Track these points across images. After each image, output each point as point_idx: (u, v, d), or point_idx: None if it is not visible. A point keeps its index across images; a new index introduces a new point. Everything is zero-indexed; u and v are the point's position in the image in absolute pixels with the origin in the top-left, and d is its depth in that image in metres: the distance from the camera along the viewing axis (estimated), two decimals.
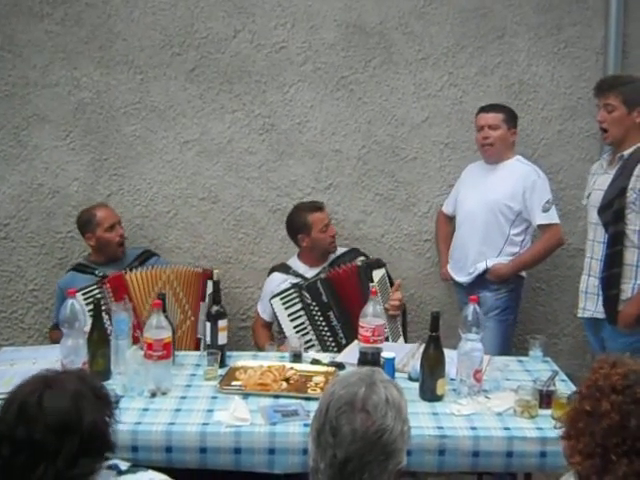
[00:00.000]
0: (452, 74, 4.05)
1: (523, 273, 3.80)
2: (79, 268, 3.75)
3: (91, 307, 2.97)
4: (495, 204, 3.64)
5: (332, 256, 3.73)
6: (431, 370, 2.63)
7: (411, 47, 4.02)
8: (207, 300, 3.62)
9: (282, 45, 4.01)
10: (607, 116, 3.18)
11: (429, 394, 2.63)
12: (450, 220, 3.97)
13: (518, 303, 3.81)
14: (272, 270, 3.81)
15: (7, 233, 4.07)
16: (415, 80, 4.05)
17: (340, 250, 3.78)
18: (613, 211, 3.12)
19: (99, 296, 3.35)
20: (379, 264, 3.62)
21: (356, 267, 3.55)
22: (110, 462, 1.68)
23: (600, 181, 3.27)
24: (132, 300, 3.41)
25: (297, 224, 3.71)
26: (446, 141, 4.08)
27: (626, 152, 3.16)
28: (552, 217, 3.65)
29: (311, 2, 3.98)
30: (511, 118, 3.73)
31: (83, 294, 3.40)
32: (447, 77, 4.05)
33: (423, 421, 2.47)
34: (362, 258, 3.71)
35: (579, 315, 3.39)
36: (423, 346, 2.73)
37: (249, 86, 4.03)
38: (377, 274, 3.52)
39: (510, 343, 3.79)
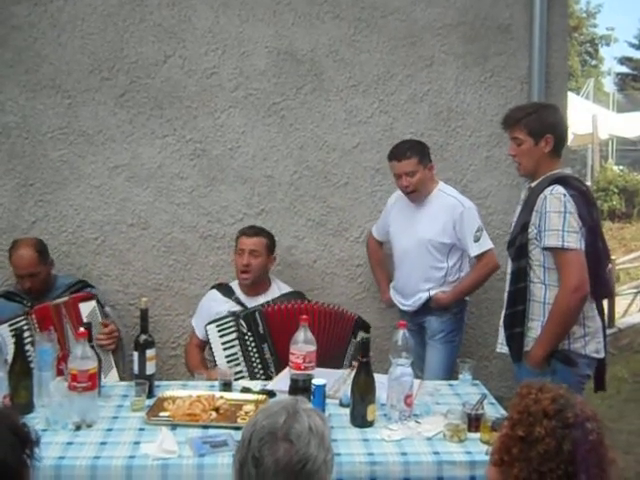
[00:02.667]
0: (382, 101, 4.11)
1: (467, 297, 3.85)
2: (8, 296, 3.64)
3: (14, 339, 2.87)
4: (429, 243, 3.68)
5: (276, 291, 3.70)
6: (362, 396, 2.63)
7: (342, 74, 4.07)
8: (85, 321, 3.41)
9: (213, 71, 4.00)
10: (517, 149, 3.11)
11: (360, 420, 2.62)
12: (381, 245, 4.00)
13: (462, 325, 3.86)
14: (213, 287, 3.76)
15: None
16: (346, 107, 4.09)
17: (285, 289, 3.74)
18: (516, 247, 3.05)
19: (25, 327, 3.27)
20: (366, 329, 3.62)
21: (353, 319, 3.58)
22: None
23: (517, 213, 3.21)
24: (57, 331, 3.31)
25: None
26: (377, 167, 4.12)
27: (533, 184, 3.09)
28: (484, 245, 3.69)
29: (242, 29, 3.99)
30: (424, 155, 3.69)
31: (10, 325, 3.31)
32: (377, 104, 4.10)
33: (354, 448, 2.46)
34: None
35: (497, 350, 3.24)
36: (354, 372, 2.73)
37: (180, 111, 4.01)
38: (360, 335, 3.53)
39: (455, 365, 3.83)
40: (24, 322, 3.37)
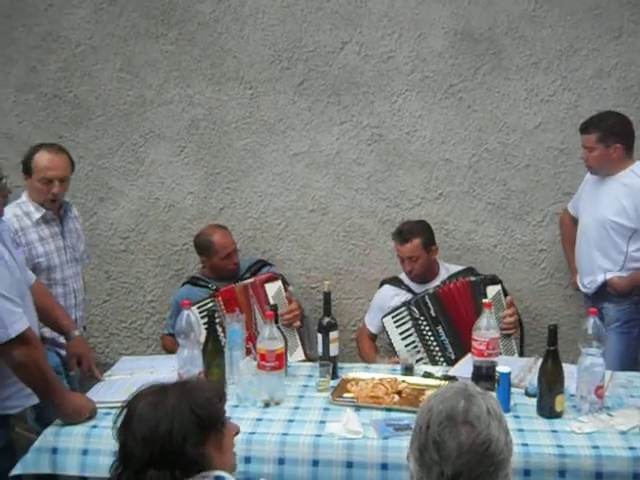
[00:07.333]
0: (565, 78, 3.92)
1: None
2: (193, 281, 3.85)
3: (206, 320, 3.03)
4: (605, 220, 3.48)
5: (444, 273, 3.67)
6: (549, 385, 2.54)
7: (522, 52, 3.92)
8: (272, 301, 3.57)
9: (390, 55, 4.00)
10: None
11: (547, 411, 2.53)
12: (575, 222, 3.80)
13: None
14: (383, 282, 3.80)
15: (127, 246, 4.24)
16: (527, 85, 3.94)
17: (455, 268, 3.71)
18: None
19: (213, 309, 3.45)
20: (494, 280, 3.52)
21: (469, 282, 3.49)
22: (217, 474, 1.67)
23: None
24: (243, 312, 3.46)
25: None
26: (561, 147, 3.94)
27: None
28: None
29: (418, 10, 3.95)
30: (609, 135, 3.44)
31: (198, 307, 3.50)
32: (560, 81, 3.92)
33: (542, 439, 2.39)
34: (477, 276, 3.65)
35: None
36: (540, 360, 2.64)
37: (357, 97, 4.04)
38: (491, 290, 3.44)
39: (636, 358, 3.60)
40: (211, 304, 3.55)
